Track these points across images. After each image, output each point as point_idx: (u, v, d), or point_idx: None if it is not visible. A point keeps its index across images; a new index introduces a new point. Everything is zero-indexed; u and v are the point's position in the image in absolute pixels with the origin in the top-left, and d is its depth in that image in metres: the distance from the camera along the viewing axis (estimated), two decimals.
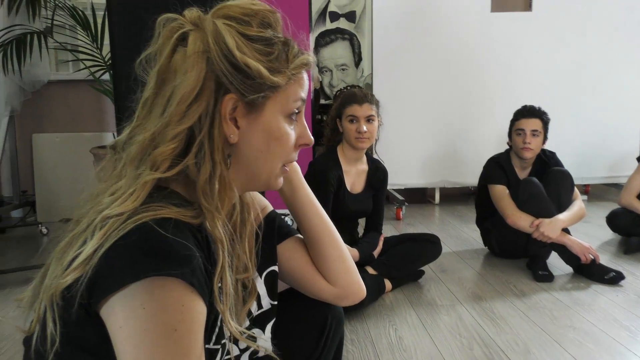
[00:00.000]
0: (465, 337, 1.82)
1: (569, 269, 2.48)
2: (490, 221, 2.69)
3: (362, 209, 2.33)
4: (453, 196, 4.37)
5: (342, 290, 0.98)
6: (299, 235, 1.01)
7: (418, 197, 4.31)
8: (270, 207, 1.00)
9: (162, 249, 0.64)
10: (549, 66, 3.98)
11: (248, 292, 0.88)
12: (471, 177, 3.96)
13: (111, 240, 0.64)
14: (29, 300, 0.75)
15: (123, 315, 0.63)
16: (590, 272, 2.38)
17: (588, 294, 2.21)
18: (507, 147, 2.71)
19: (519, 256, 2.63)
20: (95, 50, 3.40)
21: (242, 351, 0.85)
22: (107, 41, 2.76)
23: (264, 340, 0.92)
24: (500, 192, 2.56)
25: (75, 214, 0.75)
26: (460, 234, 3.21)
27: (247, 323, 0.91)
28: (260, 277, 0.92)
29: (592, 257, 2.36)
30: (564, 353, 1.69)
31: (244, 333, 0.77)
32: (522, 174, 2.67)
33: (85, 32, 3.39)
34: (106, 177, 0.76)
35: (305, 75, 0.81)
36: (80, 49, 3.49)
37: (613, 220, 2.96)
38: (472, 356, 1.67)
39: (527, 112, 2.58)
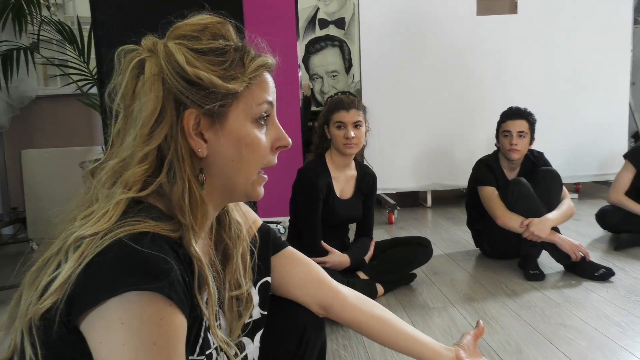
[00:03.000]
0: (457, 339, 1.81)
1: (559, 267, 2.49)
2: (481, 222, 2.70)
3: (352, 215, 2.33)
4: (445, 199, 4.38)
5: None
6: (290, 247, 1.03)
7: (410, 200, 4.33)
8: (260, 220, 1.01)
9: (139, 263, 0.64)
10: (538, 68, 4.01)
11: (244, 306, 0.89)
12: (463, 179, 3.96)
13: (88, 258, 0.65)
14: (5, 326, 0.75)
15: (102, 330, 0.63)
16: (580, 269, 2.39)
17: (579, 291, 2.23)
18: (496, 148, 2.73)
19: (510, 256, 2.65)
20: (82, 64, 3.40)
21: None
22: (94, 55, 2.77)
23: (254, 348, 0.93)
24: (490, 194, 2.58)
25: (45, 239, 0.76)
26: (453, 236, 3.22)
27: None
28: (255, 288, 0.93)
29: (582, 255, 2.38)
30: (555, 351, 1.70)
31: (227, 344, 0.78)
32: (511, 174, 2.69)
33: (71, 46, 3.40)
34: (78, 203, 0.77)
35: (267, 78, 0.82)
36: (68, 63, 3.49)
37: (603, 218, 2.98)
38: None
39: (513, 113, 2.61)
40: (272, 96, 0.82)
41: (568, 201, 2.55)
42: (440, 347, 1.05)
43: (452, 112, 4.03)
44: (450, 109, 4.02)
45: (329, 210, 2.22)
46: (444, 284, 2.39)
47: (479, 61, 3.98)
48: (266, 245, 0.97)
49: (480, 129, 3.92)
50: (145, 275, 0.64)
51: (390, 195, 4.07)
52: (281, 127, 0.83)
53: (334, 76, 5.52)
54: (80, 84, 3.40)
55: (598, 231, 3.09)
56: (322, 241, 2.20)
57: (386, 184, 3.82)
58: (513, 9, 4.14)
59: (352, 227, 2.49)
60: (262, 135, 0.81)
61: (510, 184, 2.53)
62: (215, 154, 0.78)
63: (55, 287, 0.65)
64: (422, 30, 3.94)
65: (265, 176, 0.84)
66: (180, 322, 0.67)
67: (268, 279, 0.96)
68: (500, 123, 2.66)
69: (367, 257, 2.33)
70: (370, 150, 2.42)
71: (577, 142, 4.11)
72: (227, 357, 0.83)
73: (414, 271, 2.42)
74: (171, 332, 0.66)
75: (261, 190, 0.84)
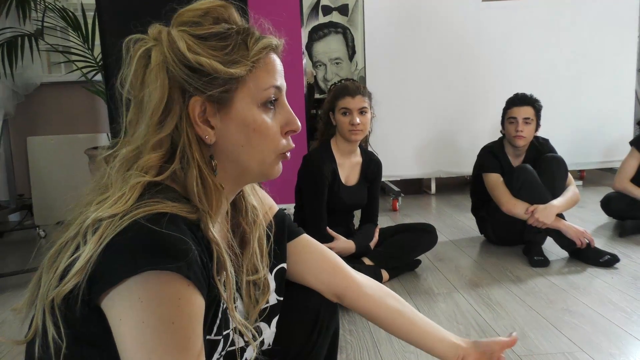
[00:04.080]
0: (462, 324, 1.84)
1: (564, 254, 2.50)
2: (485, 209, 2.71)
3: (356, 201, 2.34)
4: (449, 186, 4.38)
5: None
6: (306, 234, 1.04)
7: (414, 187, 4.33)
8: (276, 207, 1.01)
9: (158, 243, 0.65)
10: (543, 55, 3.98)
11: (261, 291, 0.89)
12: (466, 166, 3.96)
13: (107, 239, 0.66)
14: (25, 308, 0.77)
15: (122, 308, 0.65)
16: (585, 256, 2.40)
17: (583, 277, 2.24)
18: (501, 135, 2.72)
19: (514, 243, 2.65)
20: (86, 51, 3.40)
21: (247, 343, 0.87)
22: (98, 41, 2.76)
23: (270, 333, 0.94)
24: (495, 181, 2.58)
25: (64, 222, 0.77)
26: (457, 223, 3.22)
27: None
28: (271, 274, 0.94)
29: (587, 241, 2.38)
30: (560, 336, 1.71)
31: (246, 326, 0.79)
32: (516, 161, 2.68)
33: (76, 33, 3.39)
34: (93, 188, 0.79)
35: (273, 60, 0.80)
36: (72, 50, 3.48)
37: (607, 205, 2.98)
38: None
39: (518, 100, 2.59)
40: (279, 79, 0.80)
41: (573, 188, 2.54)
42: (459, 340, 1.02)
43: (456, 99, 4.01)
44: (454, 96, 4.01)
45: (334, 197, 2.22)
46: (448, 270, 2.40)
47: (484, 48, 3.95)
48: (282, 231, 0.98)
49: (484, 116, 3.90)
50: (164, 255, 0.65)
51: (394, 182, 4.07)
52: (291, 111, 0.82)
53: (337, 63, 5.49)
54: (84, 71, 3.40)
55: (603, 218, 3.09)
56: (327, 227, 2.21)
57: (390, 171, 3.81)
58: None
59: (357, 214, 2.50)
60: (269, 120, 0.79)
61: (515, 170, 2.53)
62: (224, 140, 0.78)
63: (76, 268, 0.66)
64: (426, 17, 3.91)
65: (288, 155, 0.83)
66: (198, 303, 0.68)
67: (284, 265, 0.97)
68: (505, 109, 2.65)
69: (372, 244, 2.34)
70: (374, 137, 2.42)
71: (582, 129, 4.09)
72: (243, 339, 0.84)
73: (419, 257, 2.44)
74: (190, 312, 0.67)
75: (279, 168, 0.84)
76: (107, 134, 3.74)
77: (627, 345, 1.64)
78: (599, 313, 1.88)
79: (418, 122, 4.02)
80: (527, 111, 2.55)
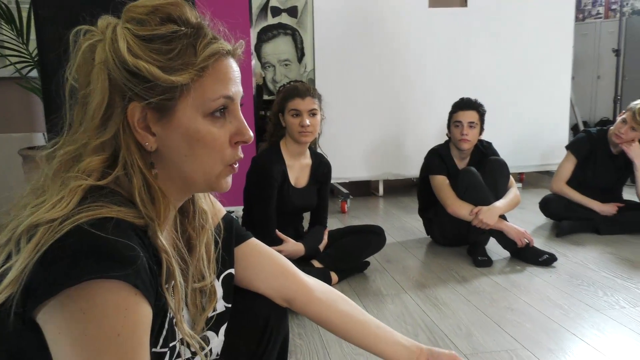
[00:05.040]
0: (410, 324, 1.86)
1: (506, 254, 2.59)
2: (432, 211, 2.76)
3: (306, 203, 2.33)
4: (396, 188, 4.45)
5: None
6: (254, 238, 1.00)
7: (362, 190, 4.36)
8: (223, 210, 0.97)
9: (103, 249, 0.61)
10: (486, 61, 4.11)
11: (207, 298, 0.85)
12: (413, 169, 4.05)
13: (45, 246, 0.61)
14: None
15: (62, 321, 0.60)
16: (525, 255, 2.49)
17: (524, 276, 2.32)
18: (447, 138, 2.79)
19: (459, 244, 2.72)
20: (21, 45, 3.21)
21: (194, 354, 0.83)
22: (33, 36, 2.61)
23: (219, 342, 0.90)
24: (441, 183, 2.63)
25: None
26: (404, 225, 3.27)
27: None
28: (218, 280, 0.90)
29: (527, 241, 2.47)
30: (503, 334, 1.76)
31: (194, 337, 0.76)
32: (461, 164, 2.75)
33: (9, 26, 3.20)
34: (29, 191, 0.73)
35: (226, 66, 0.74)
36: (5, 44, 3.29)
37: (546, 206, 3.11)
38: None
39: (464, 104, 2.66)
40: (232, 88, 0.74)
41: (515, 190, 2.64)
42: (413, 346, 1.00)
43: (404, 103, 4.08)
44: (402, 100, 4.08)
45: (283, 199, 2.20)
46: (396, 271, 2.42)
47: (431, 52, 4.04)
48: (230, 235, 0.94)
49: (431, 120, 3.99)
50: (109, 262, 0.61)
51: (342, 184, 4.09)
52: (243, 120, 0.77)
53: (286, 65, 5.47)
54: (18, 66, 3.21)
55: (541, 219, 3.22)
56: (276, 230, 2.18)
57: (339, 173, 3.82)
58: (463, 2, 4.22)
59: (306, 216, 2.49)
60: (216, 130, 0.74)
61: (461, 173, 2.59)
62: (166, 148, 0.73)
63: (9, 279, 0.61)
64: (375, 21, 3.96)
65: (236, 167, 0.78)
66: (146, 312, 0.65)
67: (232, 270, 0.94)
68: (451, 113, 2.71)
69: (321, 246, 2.33)
70: (323, 140, 2.41)
71: (522, 133, 4.26)
72: (190, 350, 0.81)
73: (368, 259, 2.45)
74: (136, 323, 0.63)
75: (227, 182, 0.79)
76: (44, 134, 3.55)
77: (565, 340, 1.71)
78: (538, 310, 1.95)
79: (366, 125, 4.06)
80: (472, 115, 2.62)
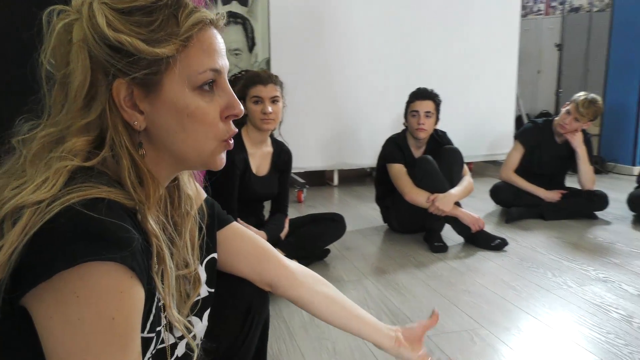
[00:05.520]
0: (373, 309, 1.90)
1: (460, 239, 2.68)
2: (389, 199, 2.82)
3: (268, 192, 2.32)
4: (350, 177, 4.50)
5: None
6: (235, 222, 0.99)
7: (317, 179, 4.39)
8: (204, 194, 0.95)
9: (97, 230, 0.59)
10: (437, 53, 4.21)
11: (192, 285, 0.84)
12: (367, 159, 4.11)
13: (35, 227, 0.58)
14: None
15: (53, 304, 0.58)
16: (478, 240, 2.59)
17: (478, 260, 2.41)
18: (404, 127, 2.84)
19: (416, 230, 2.79)
20: None
21: (179, 339, 0.81)
22: None
23: (202, 327, 0.89)
24: (398, 171, 2.69)
25: None
26: (360, 213, 3.32)
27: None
28: (201, 265, 0.89)
29: (480, 227, 2.57)
30: (462, 315, 1.83)
31: (181, 322, 0.74)
32: (417, 152, 2.82)
33: None
34: (5, 172, 0.69)
35: (210, 36, 0.72)
36: None
37: (496, 193, 3.24)
38: None
39: (420, 94, 2.72)
40: (219, 60, 0.73)
41: (468, 178, 2.73)
42: (384, 327, 1.07)
43: (358, 93, 4.13)
44: (356, 90, 4.12)
45: (245, 187, 2.18)
46: (356, 259, 2.46)
47: (384, 43, 4.10)
48: (212, 220, 0.93)
49: (384, 110, 4.05)
50: (105, 243, 0.59)
51: (298, 174, 4.10)
52: (233, 93, 0.75)
53: (236, 54, 5.40)
54: None
55: (490, 206, 3.35)
56: (238, 218, 2.16)
57: (294, 163, 3.79)
58: None
59: (267, 205, 2.48)
60: (205, 104, 0.71)
61: (417, 161, 2.66)
62: (155, 126, 0.71)
63: None
64: (329, 13, 3.96)
65: (232, 142, 0.76)
66: (140, 296, 0.63)
67: (214, 255, 0.92)
68: (408, 103, 2.77)
69: (282, 234, 2.34)
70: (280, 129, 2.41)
71: (470, 124, 4.40)
72: (174, 335, 0.79)
73: (328, 247, 2.47)
74: (131, 306, 0.61)
75: (221, 159, 0.77)
76: None
77: (519, 318, 1.80)
78: (493, 292, 2.03)
79: (321, 115, 4.08)
80: (428, 105, 2.69)
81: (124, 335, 0.60)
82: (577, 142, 3.03)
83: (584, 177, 3.06)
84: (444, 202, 2.53)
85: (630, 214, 3.10)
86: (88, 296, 0.58)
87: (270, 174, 2.31)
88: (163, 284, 0.70)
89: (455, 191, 2.60)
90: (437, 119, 2.75)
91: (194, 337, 0.85)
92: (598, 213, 3.09)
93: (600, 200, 3.06)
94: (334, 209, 3.45)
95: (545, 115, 6.25)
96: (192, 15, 0.70)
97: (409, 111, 2.74)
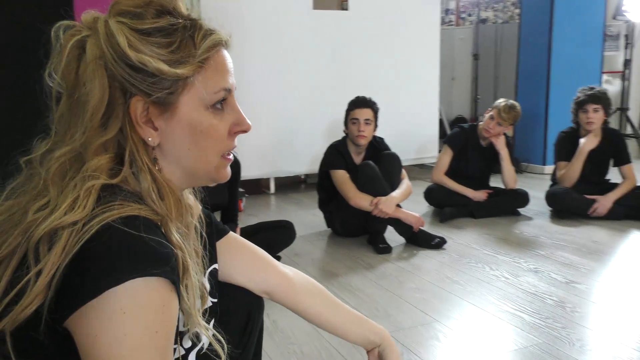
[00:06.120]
0: None
1: (401, 240, 2.81)
2: (333, 204, 2.90)
3: (218, 201, 2.32)
4: (285, 185, 4.55)
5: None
6: (232, 233, 1.01)
7: (253, 188, 4.39)
8: (199, 205, 0.96)
9: (140, 247, 0.60)
10: (368, 63, 4.39)
11: (200, 297, 0.85)
12: (303, 165, 4.19)
13: (77, 247, 0.58)
14: None
15: (98, 323, 0.58)
16: (419, 240, 2.73)
17: (421, 259, 2.55)
18: (344, 134, 2.94)
19: (359, 234, 2.89)
20: None
21: (188, 350, 0.82)
22: None
23: (207, 338, 0.90)
24: (342, 177, 2.78)
25: None
26: (301, 219, 3.37)
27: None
28: (204, 276, 0.90)
29: (422, 225, 2.72)
30: (416, 310, 1.94)
31: (211, 330, 0.76)
32: (358, 158, 2.92)
33: None
34: (21, 194, 0.68)
35: (223, 58, 0.75)
36: None
37: (429, 195, 3.42)
38: None
39: (360, 102, 2.84)
40: (231, 80, 0.76)
41: (407, 181, 2.88)
42: (376, 327, 1.08)
43: (293, 101, 4.19)
44: (291, 98, 4.18)
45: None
46: (306, 264, 2.51)
47: (316, 53, 4.20)
48: (211, 230, 0.94)
49: (319, 118, 4.15)
50: (149, 260, 0.60)
51: None
52: (241, 111, 0.79)
53: None
54: None
55: (424, 207, 3.53)
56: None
57: None
58: (344, 6, 4.45)
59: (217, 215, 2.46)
60: (217, 122, 0.74)
61: (360, 167, 2.76)
62: (169, 142, 0.72)
63: (39, 287, 0.57)
64: (262, 20, 4.01)
65: (231, 156, 0.80)
66: (177, 308, 0.65)
67: (216, 265, 0.94)
68: (348, 111, 2.87)
69: None
70: None
71: (399, 130, 4.59)
72: (182, 346, 0.80)
73: (279, 254, 2.50)
74: (171, 319, 0.63)
75: (227, 172, 0.80)
76: None
77: (468, 310, 1.93)
78: (441, 287, 2.17)
79: (256, 124, 3.98)
80: (367, 113, 2.81)
81: (164, 347, 0.62)
82: (501, 145, 3.28)
83: (507, 177, 3.32)
84: (386, 205, 2.65)
85: (547, 209, 3.40)
86: (135, 312, 0.59)
87: (220, 184, 2.30)
88: (188, 294, 0.71)
89: (396, 194, 2.73)
90: (376, 125, 2.87)
91: (202, 347, 0.86)
92: (520, 210, 3.36)
93: (522, 198, 3.33)
94: (273, 216, 3.48)
95: (461, 120, 6.68)
96: (207, 37, 0.72)
97: (349, 119, 2.85)
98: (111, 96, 0.67)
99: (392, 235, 2.81)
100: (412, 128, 4.67)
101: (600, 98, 3.14)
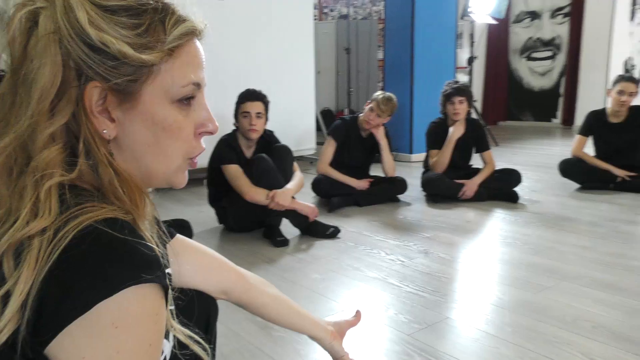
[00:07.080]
0: (242, 311, 1.92)
1: (296, 231, 2.84)
2: (226, 199, 2.82)
3: None
4: None
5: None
6: (179, 235, 0.94)
7: None
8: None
9: (129, 252, 0.54)
10: (246, 54, 4.32)
11: None
12: None
13: (53, 257, 0.50)
14: None
15: (87, 342, 0.51)
16: (314, 231, 2.78)
17: (319, 249, 2.60)
18: (234, 128, 2.87)
19: (254, 228, 2.86)
20: None
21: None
22: None
23: (169, 347, 0.83)
24: (235, 171, 2.72)
25: None
26: (189, 217, 3.21)
27: None
28: None
29: (316, 215, 2.78)
30: (326, 300, 1.98)
31: (188, 334, 0.70)
32: (249, 152, 2.88)
33: None
34: None
35: (194, 49, 0.68)
36: None
37: (316, 186, 3.50)
38: (257, 323, 1.78)
39: (250, 95, 2.79)
40: (200, 73, 0.69)
41: (299, 173, 2.91)
42: (322, 322, 1.13)
43: None
44: None
45: None
46: None
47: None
48: (163, 232, 0.86)
49: None
50: (141, 265, 0.54)
51: None
52: (209, 110, 0.71)
53: None
54: None
55: (310, 197, 3.60)
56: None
57: None
58: None
59: None
60: (182, 119, 0.67)
61: (255, 160, 2.73)
62: (126, 136, 0.64)
63: (10, 310, 0.48)
64: None
65: (196, 161, 0.72)
66: (165, 315, 0.59)
67: (169, 270, 0.86)
68: (238, 104, 2.81)
69: None
70: None
71: (278, 122, 4.58)
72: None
73: None
74: (163, 328, 0.58)
75: (184, 176, 0.72)
76: None
77: (377, 294, 2.02)
78: (344, 275, 2.24)
79: None
80: (258, 106, 2.77)
81: (155, 357, 0.56)
82: (380, 135, 3.47)
83: (387, 166, 3.52)
84: (282, 197, 2.66)
85: (422, 195, 3.68)
86: (128, 325, 0.53)
87: None
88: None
89: (291, 186, 2.75)
90: (267, 119, 2.86)
91: (165, 358, 0.80)
92: (400, 196, 3.59)
93: (401, 185, 3.56)
94: (162, 216, 3.29)
95: (327, 112, 6.92)
96: (179, 24, 0.65)
97: (240, 112, 2.79)
98: (64, 78, 0.58)
99: (286, 228, 2.82)
100: (290, 120, 4.72)
101: (465, 91, 3.47)
